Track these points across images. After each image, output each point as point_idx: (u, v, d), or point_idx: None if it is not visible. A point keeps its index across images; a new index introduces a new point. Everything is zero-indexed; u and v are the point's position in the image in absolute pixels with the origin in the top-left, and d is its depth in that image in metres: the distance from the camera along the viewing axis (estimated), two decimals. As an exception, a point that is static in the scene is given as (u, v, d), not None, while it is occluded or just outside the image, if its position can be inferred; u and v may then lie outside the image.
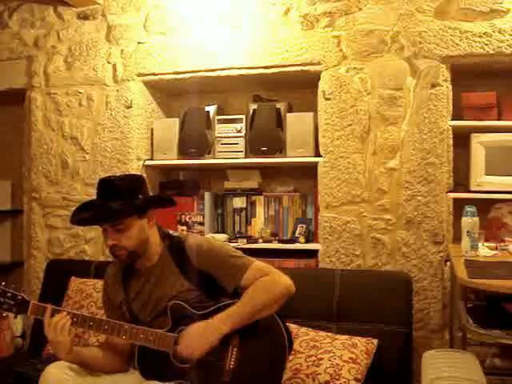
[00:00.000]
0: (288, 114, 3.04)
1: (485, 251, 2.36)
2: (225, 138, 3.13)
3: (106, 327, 1.93)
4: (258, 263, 1.99)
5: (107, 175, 2.17)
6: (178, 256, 2.02)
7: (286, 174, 3.27)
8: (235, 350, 1.89)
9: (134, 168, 3.19)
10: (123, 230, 1.93)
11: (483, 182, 2.67)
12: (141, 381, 1.96)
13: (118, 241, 1.94)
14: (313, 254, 2.94)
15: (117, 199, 1.93)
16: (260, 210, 3.21)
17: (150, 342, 1.91)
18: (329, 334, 2.37)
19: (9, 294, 1.92)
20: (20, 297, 1.93)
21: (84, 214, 1.99)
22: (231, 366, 1.87)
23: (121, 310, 2.06)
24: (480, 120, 2.70)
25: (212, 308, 1.94)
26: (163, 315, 1.96)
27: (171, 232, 2.16)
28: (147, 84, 3.27)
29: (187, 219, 3.24)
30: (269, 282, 1.94)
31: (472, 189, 2.69)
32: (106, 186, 1.99)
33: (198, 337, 1.86)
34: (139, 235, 1.97)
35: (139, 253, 1.99)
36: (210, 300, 1.97)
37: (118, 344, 2.03)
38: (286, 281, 1.95)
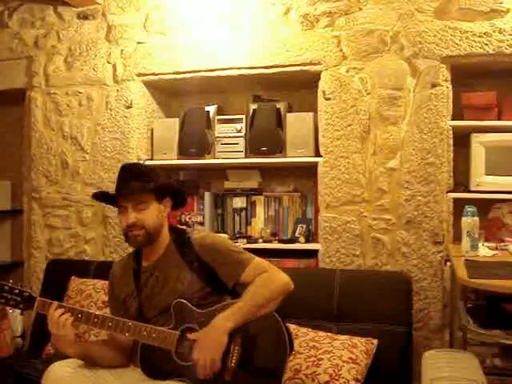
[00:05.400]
0: (288, 114, 3.04)
1: (485, 251, 2.36)
2: (225, 137, 3.13)
3: (110, 324, 1.96)
4: (258, 260, 2.03)
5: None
6: (182, 248, 2.06)
7: (286, 174, 3.27)
8: (237, 348, 1.90)
9: (134, 168, 3.18)
10: (143, 208, 2.00)
11: (483, 181, 2.66)
12: (141, 376, 1.98)
13: (137, 219, 1.99)
14: (313, 253, 2.94)
15: (138, 180, 2.00)
16: (260, 210, 3.21)
17: (153, 339, 1.93)
18: (329, 334, 2.38)
19: (16, 291, 1.95)
20: (27, 293, 1.96)
21: (106, 197, 2.11)
22: (233, 364, 1.88)
23: (125, 305, 2.09)
24: (480, 120, 2.70)
25: (214, 307, 1.95)
26: (166, 312, 1.98)
27: (178, 226, 2.23)
28: (147, 84, 3.27)
29: (187, 219, 3.24)
30: (268, 279, 1.98)
31: (472, 189, 2.69)
32: (129, 168, 2.07)
33: (210, 343, 1.86)
34: (157, 217, 2.03)
35: (154, 237, 2.04)
36: (213, 294, 2.00)
37: (121, 340, 2.04)
38: (284, 278, 2.00)
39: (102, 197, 2.14)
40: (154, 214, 2.02)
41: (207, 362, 1.84)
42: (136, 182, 1.99)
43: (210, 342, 1.86)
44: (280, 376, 1.94)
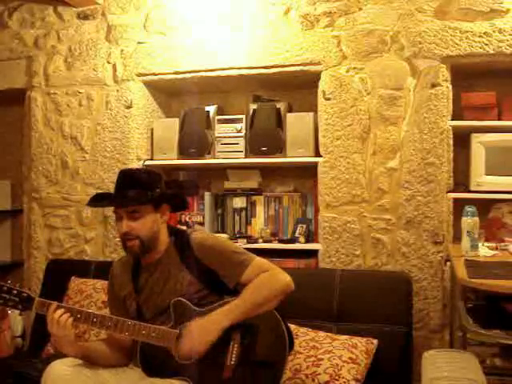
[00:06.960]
0: (288, 114, 3.04)
1: (485, 251, 2.36)
2: (225, 137, 3.13)
3: (110, 323, 1.96)
4: (259, 260, 2.03)
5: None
6: (182, 250, 2.05)
7: (286, 174, 3.27)
8: (236, 346, 1.90)
9: (134, 168, 3.18)
10: (138, 217, 1.98)
11: (483, 181, 2.66)
12: (141, 376, 1.98)
13: (131, 228, 1.98)
14: (313, 253, 2.94)
15: (135, 188, 1.98)
16: (260, 210, 3.21)
17: (152, 338, 1.93)
18: (329, 334, 2.38)
19: (14, 292, 1.95)
20: (25, 294, 1.96)
21: (102, 198, 2.08)
22: (232, 362, 1.89)
23: (125, 304, 2.09)
24: (480, 120, 2.70)
25: (214, 305, 1.96)
26: (166, 312, 1.98)
27: (178, 227, 2.22)
28: (147, 84, 3.27)
29: (187, 219, 3.24)
30: (268, 278, 1.98)
31: (472, 189, 2.69)
32: (126, 175, 2.06)
33: (199, 333, 1.89)
34: (152, 226, 2.01)
35: (150, 246, 2.02)
36: (212, 295, 2.00)
37: (120, 339, 2.05)
38: (285, 277, 2.00)
39: (97, 199, 2.10)
40: (149, 223, 2.00)
41: (191, 351, 1.88)
42: (133, 190, 1.98)
43: (200, 333, 1.89)
44: (280, 372, 1.94)
